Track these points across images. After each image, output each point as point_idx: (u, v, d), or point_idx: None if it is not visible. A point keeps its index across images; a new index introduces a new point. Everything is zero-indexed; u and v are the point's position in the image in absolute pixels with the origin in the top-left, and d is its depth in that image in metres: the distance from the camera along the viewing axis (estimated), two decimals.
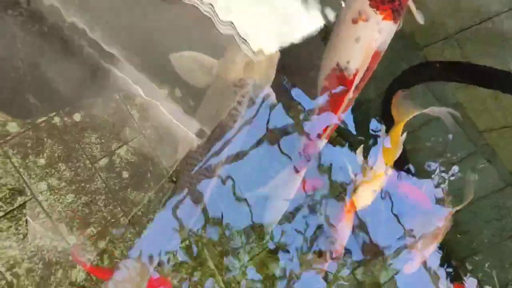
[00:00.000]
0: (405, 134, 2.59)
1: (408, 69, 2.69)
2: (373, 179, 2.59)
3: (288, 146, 2.63)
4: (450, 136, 2.87)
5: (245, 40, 2.55)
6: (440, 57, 2.73)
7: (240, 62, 2.47)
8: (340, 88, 2.50)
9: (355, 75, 2.42)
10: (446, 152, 2.84)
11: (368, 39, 2.39)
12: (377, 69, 2.45)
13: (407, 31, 2.66)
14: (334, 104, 2.52)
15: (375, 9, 2.34)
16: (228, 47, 2.51)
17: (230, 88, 2.40)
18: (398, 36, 2.49)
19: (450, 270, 2.87)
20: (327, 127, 2.53)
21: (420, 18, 2.54)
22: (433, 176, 2.83)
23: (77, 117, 2.41)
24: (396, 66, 2.69)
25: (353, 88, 2.45)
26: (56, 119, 2.37)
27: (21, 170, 2.29)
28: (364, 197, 2.60)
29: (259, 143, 2.61)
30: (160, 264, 2.47)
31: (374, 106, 2.77)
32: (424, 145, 2.85)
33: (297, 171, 2.54)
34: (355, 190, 2.61)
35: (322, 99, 2.55)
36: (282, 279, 2.67)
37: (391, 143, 2.58)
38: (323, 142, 2.56)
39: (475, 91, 2.71)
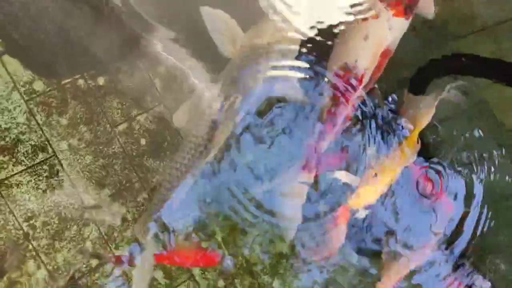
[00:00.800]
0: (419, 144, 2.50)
1: (436, 59, 2.60)
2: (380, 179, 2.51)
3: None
4: (477, 132, 2.78)
5: (279, 13, 2.49)
6: (472, 50, 2.62)
7: (269, 33, 2.40)
8: (348, 88, 2.44)
9: (363, 74, 2.35)
10: (470, 150, 2.76)
11: (377, 37, 2.29)
12: (403, 58, 2.38)
13: (440, 19, 2.57)
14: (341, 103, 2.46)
15: (385, 5, 2.25)
16: (261, 18, 2.45)
17: (255, 53, 2.33)
18: (429, 26, 2.41)
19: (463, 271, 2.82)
20: (334, 125, 2.46)
21: (429, 14, 2.42)
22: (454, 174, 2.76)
23: (101, 80, 2.46)
24: (423, 55, 2.61)
25: (361, 87, 2.39)
26: (81, 82, 2.43)
27: (44, 128, 2.38)
28: (366, 197, 2.51)
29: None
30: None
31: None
32: (447, 142, 2.78)
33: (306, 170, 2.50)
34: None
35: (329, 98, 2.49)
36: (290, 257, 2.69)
37: (406, 148, 2.50)
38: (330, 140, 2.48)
39: (502, 90, 2.61)
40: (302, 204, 2.45)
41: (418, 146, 2.53)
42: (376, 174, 2.53)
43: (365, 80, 2.35)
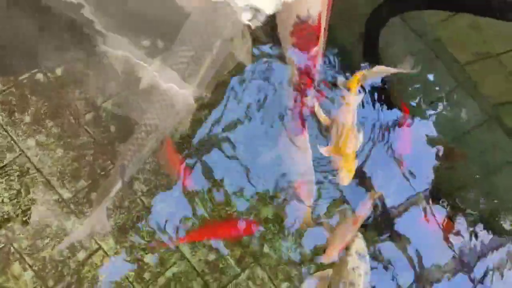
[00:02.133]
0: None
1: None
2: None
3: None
4: (431, 75, 2.89)
5: None
6: None
7: None
8: (309, 38, 2.49)
9: (319, 19, 2.40)
10: (428, 91, 2.87)
11: None
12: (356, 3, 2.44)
13: None
14: (309, 55, 2.52)
15: None
16: None
17: None
18: None
19: (439, 207, 2.92)
20: (310, 78, 2.52)
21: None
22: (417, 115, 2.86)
23: (59, 72, 2.42)
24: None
25: (322, 31, 2.44)
26: (39, 75, 2.38)
27: (7, 128, 2.32)
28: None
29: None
30: None
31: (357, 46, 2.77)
32: (405, 86, 2.88)
33: (297, 133, 2.53)
34: None
35: (296, 55, 2.55)
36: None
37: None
38: (313, 96, 2.55)
39: (454, 24, 2.72)
40: (311, 156, 2.50)
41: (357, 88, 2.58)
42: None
43: (323, 22, 2.40)
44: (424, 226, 2.84)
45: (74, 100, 2.44)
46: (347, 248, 2.39)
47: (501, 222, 2.93)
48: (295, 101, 2.57)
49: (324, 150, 2.53)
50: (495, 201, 2.94)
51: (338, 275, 2.35)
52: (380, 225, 2.75)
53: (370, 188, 2.68)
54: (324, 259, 2.53)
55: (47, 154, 2.37)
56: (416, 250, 2.77)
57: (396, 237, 2.76)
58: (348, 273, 2.28)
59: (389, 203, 2.78)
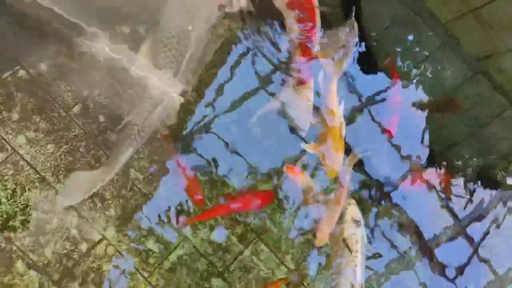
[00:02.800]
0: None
1: None
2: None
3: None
4: (413, 37, 2.90)
5: None
6: None
7: None
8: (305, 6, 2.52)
9: None
10: (413, 52, 2.88)
11: None
12: None
13: None
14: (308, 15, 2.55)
15: None
16: None
17: None
18: None
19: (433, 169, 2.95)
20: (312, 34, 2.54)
21: None
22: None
23: (42, 67, 2.40)
24: None
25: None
26: (21, 72, 2.36)
27: None
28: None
29: None
30: None
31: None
32: (391, 48, 2.88)
33: (300, 82, 2.55)
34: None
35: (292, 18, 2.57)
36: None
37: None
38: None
39: None
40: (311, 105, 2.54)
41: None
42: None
43: None
44: (420, 191, 2.88)
45: (60, 94, 2.42)
46: (341, 216, 2.40)
47: (495, 176, 2.98)
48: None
49: (308, 147, 2.55)
50: (487, 155, 2.97)
51: (336, 244, 2.39)
52: (376, 195, 2.79)
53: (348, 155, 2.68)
54: (316, 243, 2.56)
55: (39, 150, 2.36)
56: (415, 217, 2.82)
57: (394, 207, 2.80)
58: (346, 239, 2.31)
59: (383, 172, 2.81)
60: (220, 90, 2.67)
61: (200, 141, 2.62)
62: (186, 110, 2.60)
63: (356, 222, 2.36)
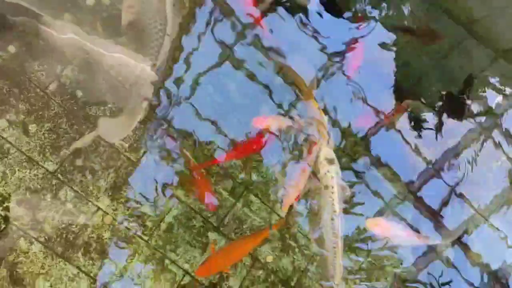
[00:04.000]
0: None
1: None
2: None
3: None
4: None
5: None
6: None
7: None
8: None
9: None
10: None
11: None
12: None
13: None
14: None
15: None
16: None
17: None
18: None
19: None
20: None
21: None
22: None
23: (11, 49, 2.40)
24: None
25: None
26: None
27: None
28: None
29: None
30: None
31: None
32: None
33: None
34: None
35: None
36: None
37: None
38: None
39: None
40: None
41: None
42: None
43: None
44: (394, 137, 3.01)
45: (35, 73, 2.43)
46: (316, 157, 2.54)
47: (461, 104, 3.15)
48: None
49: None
50: (451, 85, 3.12)
51: (315, 186, 2.52)
52: (348, 147, 2.91)
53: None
54: (283, 208, 2.69)
55: (22, 132, 2.39)
56: (390, 165, 2.97)
57: (369, 157, 2.94)
58: (321, 178, 2.46)
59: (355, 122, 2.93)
60: (188, 62, 2.72)
61: (178, 112, 2.69)
62: (159, 84, 2.65)
63: (330, 160, 2.48)
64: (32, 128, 2.42)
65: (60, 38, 2.47)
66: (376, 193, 2.89)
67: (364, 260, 2.80)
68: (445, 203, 3.00)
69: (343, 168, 2.70)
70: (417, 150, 3.00)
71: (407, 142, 3.01)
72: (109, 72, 2.50)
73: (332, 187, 2.43)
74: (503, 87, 3.20)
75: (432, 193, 3.00)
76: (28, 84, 2.42)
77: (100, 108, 2.55)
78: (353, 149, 2.87)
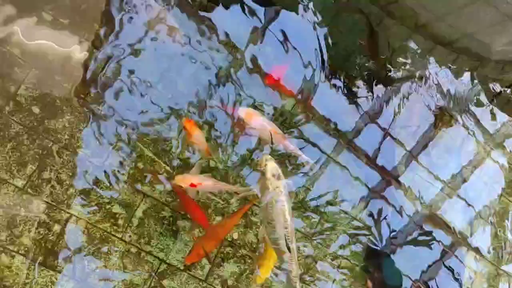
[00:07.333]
0: None
1: None
2: None
3: None
4: None
5: None
6: None
7: None
8: None
9: None
10: None
11: None
12: None
13: None
14: None
15: None
16: None
17: None
18: None
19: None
20: None
21: None
22: None
23: None
24: None
25: None
26: None
27: None
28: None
29: None
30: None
31: None
32: None
33: None
34: None
35: None
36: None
37: None
38: None
39: None
40: None
41: None
42: None
43: None
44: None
45: None
46: (263, 174, 2.60)
47: (385, 73, 3.58)
48: None
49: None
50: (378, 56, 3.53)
51: (265, 200, 2.61)
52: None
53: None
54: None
55: None
56: (329, 118, 3.35)
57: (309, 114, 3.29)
58: (271, 193, 2.53)
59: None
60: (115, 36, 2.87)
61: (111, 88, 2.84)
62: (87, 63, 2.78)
63: (276, 176, 2.57)
64: None
65: (9, 56, 2.55)
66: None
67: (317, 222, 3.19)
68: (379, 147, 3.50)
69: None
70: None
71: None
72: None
73: (282, 201, 2.53)
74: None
75: (368, 139, 3.47)
76: None
77: (59, 120, 2.67)
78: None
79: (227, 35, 3.12)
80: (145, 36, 2.92)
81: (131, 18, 2.90)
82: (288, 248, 2.51)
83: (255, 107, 3.09)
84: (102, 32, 2.80)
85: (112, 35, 2.82)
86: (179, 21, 3.00)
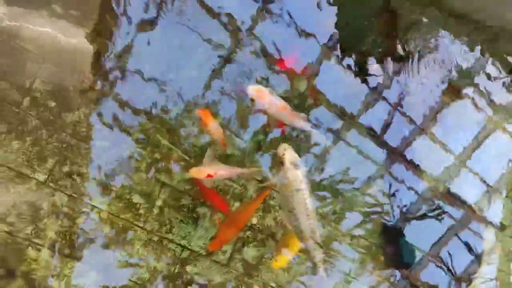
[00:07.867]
0: None
1: None
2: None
3: None
4: None
5: None
6: None
7: None
8: None
9: None
10: None
11: None
12: None
13: None
14: None
15: None
16: None
17: None
18: None
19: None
20: None
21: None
22: None
23: None
24: None
25: None
26: None
27: None
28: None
29: None
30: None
31: None
32: None
33: None
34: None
35: None
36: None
37: None
38: None
39: None
40: None
41: None
42: None
43: None
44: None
45: (4, 92, 2.51)
46: (282, 164, 2.54)
47: (399, 52, 3.53)
48: None
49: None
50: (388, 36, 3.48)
51: (285, 189, 2.56)
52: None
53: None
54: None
55: (6, 150, 2.50)
56: (334, 102, 3.33)
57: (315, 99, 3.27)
58: (292, 183, 2.50)
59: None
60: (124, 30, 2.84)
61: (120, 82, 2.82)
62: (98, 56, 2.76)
63: (295, 165, 2.53)
64: (15, 145, 2.53)
65: (23, 51, 2.54)
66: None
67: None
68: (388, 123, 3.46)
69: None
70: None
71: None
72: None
73: (303, 189, 2.51)
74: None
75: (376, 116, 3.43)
76: (2, 103, 2.50)
77: (74, 112, 2.67)
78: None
79: (232, 16, 3.07)
80: (155, 24, 2.88)
81: (139, 6, 2.86)
82: (316, 242, 2.53)
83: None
84: (112, 22, 2.77)
85: (122, 25, 2.78)
86: (189, 9, 2.96)
